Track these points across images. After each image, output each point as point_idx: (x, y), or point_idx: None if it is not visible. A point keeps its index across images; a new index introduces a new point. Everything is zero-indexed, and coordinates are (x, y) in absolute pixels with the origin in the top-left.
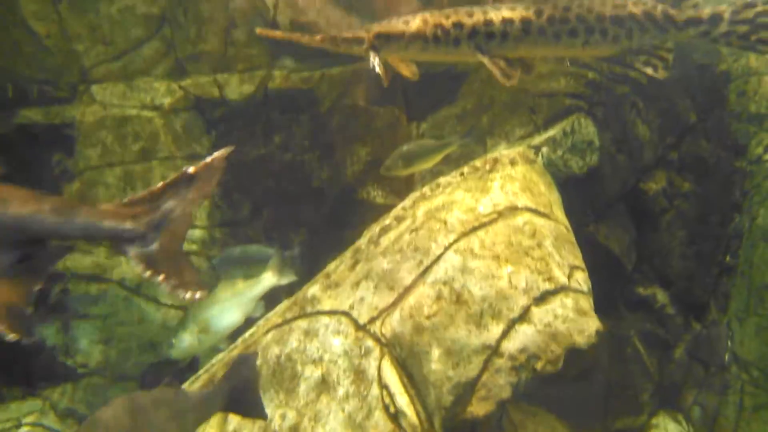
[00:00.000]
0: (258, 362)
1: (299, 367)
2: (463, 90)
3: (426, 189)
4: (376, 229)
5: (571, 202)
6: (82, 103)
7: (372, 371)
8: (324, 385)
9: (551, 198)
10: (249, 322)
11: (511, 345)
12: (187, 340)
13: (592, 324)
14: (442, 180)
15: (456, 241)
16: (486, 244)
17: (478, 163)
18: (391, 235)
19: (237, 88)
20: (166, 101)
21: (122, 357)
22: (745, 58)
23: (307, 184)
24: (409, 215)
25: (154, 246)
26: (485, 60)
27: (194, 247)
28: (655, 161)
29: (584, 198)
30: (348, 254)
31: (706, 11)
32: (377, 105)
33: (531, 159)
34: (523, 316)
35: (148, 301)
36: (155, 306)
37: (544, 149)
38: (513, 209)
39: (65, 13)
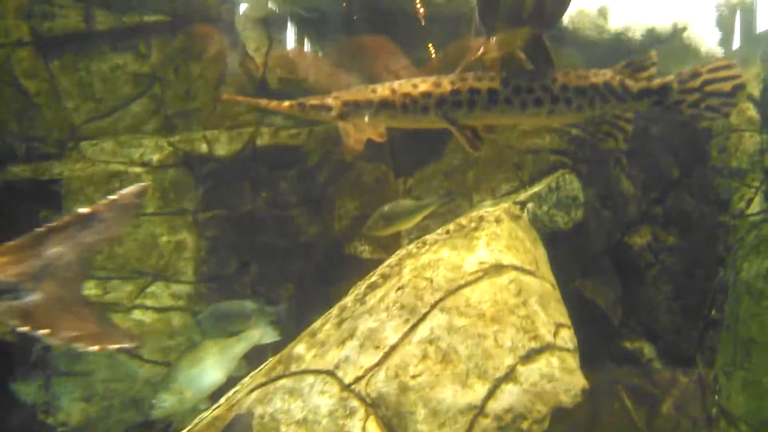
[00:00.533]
0: (252, 422)
1: (283, 428)
2: (449, 146)
3: (412, 247)
4: (362, 286)
5: (557, 257)
6: (70, 159)
7: None
8: None
9: (537, 254)
10: (231, 381)
11: (497, 405)
12: (168, 401)
13: (578, 383)
14: (429, 237)
15: (442, 299)
16: (472, 302)
17: (463, 220)
18: (378, 293)
19: (226, 144)
20: (155, 157)
21: (104, 415)
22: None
23: (294, 239)
24: (395, 273)
25: (34, 297)
26: (453, 129)
27: (180, 302)
28: (639, 216)
29: (570, 253)
30: (334, 312)
31: (657, 81)
32: (365, 161)
33: (516, 215)
34: (509, 376)
35: (131, 358)
36: (138, 362)
37: (530, 205)
38: (499, 267)
39: (56, 71)
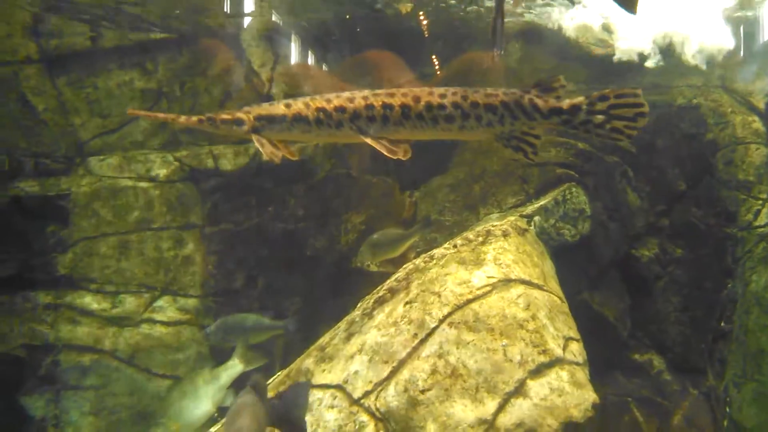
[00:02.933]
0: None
1: None
2: (455, 160)
3: (420, 261)
4: (370, 300)
5: (565, 270)
6: (77, 174)
7: None
8: None
9: (544, 268)
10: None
11: (507, 419)
12: None
13: (589, 396)
14: (436, 252)
15: (450, 314)
16: (480, 317)
17: (471, 235)
18: (386, 307)
19: (232, 159)
20: (162, 172)
21: (112, 429)
22: (731, 128)
23: (301, 253)
24: (402, 287)
25: None
26: (368, 140)
27: (188, 316)
28: (646, 228)
29: (577, 266)
30: (342, 326)
31: (566, 102)
32: (371, 175)
33: (523, 229)
34: (519, 390)
35: (140, 372)
36: (147, 376)
37: (537, 218)
38: (507, 282)
39: (63, 88)
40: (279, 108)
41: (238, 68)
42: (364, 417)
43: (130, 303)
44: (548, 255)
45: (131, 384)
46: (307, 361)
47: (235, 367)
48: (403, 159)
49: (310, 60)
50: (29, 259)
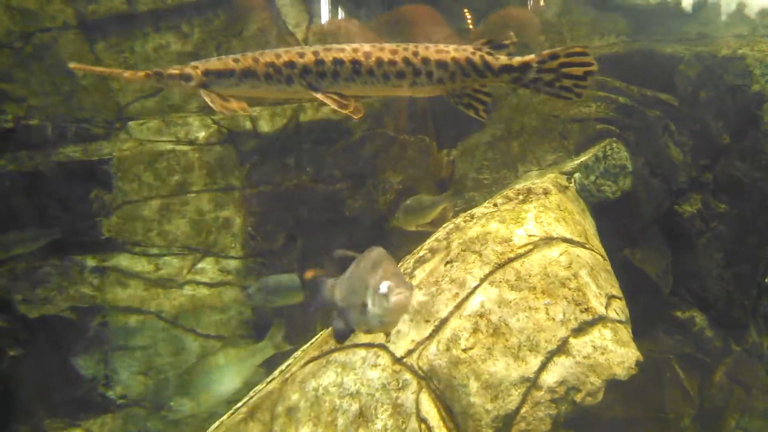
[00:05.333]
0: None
1: (337, 401)
2: (492, 117)
3: (460, 220)
4: (410, 260)
5: (605, 227)
6: (118, 139)
7: (410, 405)
8: (362, 418)
9: (586, 226)
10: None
11: (549, 377)
12: (186, 405)
13: (632, 354)
14: (476, 211)
15: (491, 273)
16: (522, 275)
17: (511, 193)
18: (426, 267)
19: (269, 120)
20: (201, 135)
21: (161, 387)
22: None
23: (339, 214)
24: (443, 247)
25: None
26: (318, 95)
27: (230, 277)
28: (689, 183)
29: (618, 222)
30: None
31: (517, 59)
32: (408, 134)
33: (564, 187)
34: (562, 348)
35: (185, 332)
36: (193, 336)
37: (577, 175)
38: (548, 240)
39: (101, 52)
40: (228, 63)
41: (273, 28)
42: (407, 375)
43: (173, 265)
44: (589, 212)
45: (177, 344)
46: None
47: (267, 347)
48: (354, 117)
49: (344, 17)
50: (74, 223)
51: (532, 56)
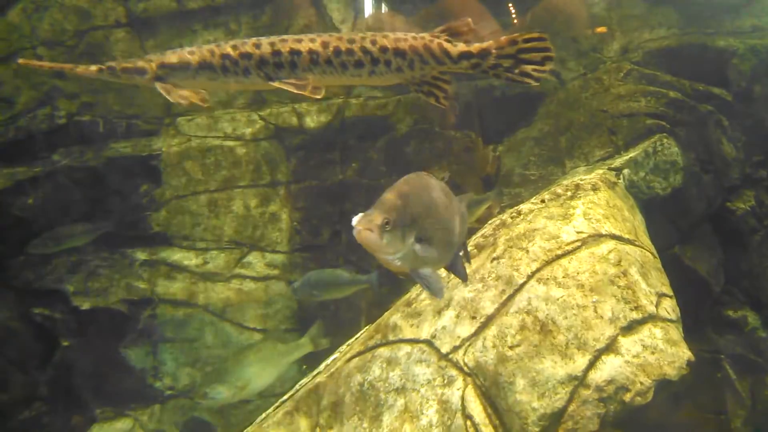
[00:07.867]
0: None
1: (382, 396)
2: (540, 112)
3: (506, 216)
4: None
5: (655, 224)
6: (167, 135)
7: (455, 401)
8: (408, 414)
9: (635, 223)
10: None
11: (597, 376)
12: (222, 393)
13: (683, 354)
14: (523, 207)
15: (539, 269)
16: (570, 272)
17: (559, 189)
18: (473, 263)
19: (315, 116)
20: (248, 131)
21: (208, 379)
22: None
23: None
24: (489, 243)
25: None
26: (275, 83)
27: (276, 271)
28: (742, 180)
29: (668, 219)
30: None
31: (476, 46)
32: (453, 129)
33: (613, 183)
34: (610, 347)
35: (232, 325)
36: (239, 330)
37: (626, 171)
38: (597, 237)
39: (151, 49)
40: (183, 56)
41: (319, 24)
42: (452, 372)
43: (220, 259)
44: (638, 209)
45: (224, 337)
46: (395, 317)
47: (305, 345)
48: (313, 97)
49: (388, 11)
50: (125, 217)
51: (490, 42)
